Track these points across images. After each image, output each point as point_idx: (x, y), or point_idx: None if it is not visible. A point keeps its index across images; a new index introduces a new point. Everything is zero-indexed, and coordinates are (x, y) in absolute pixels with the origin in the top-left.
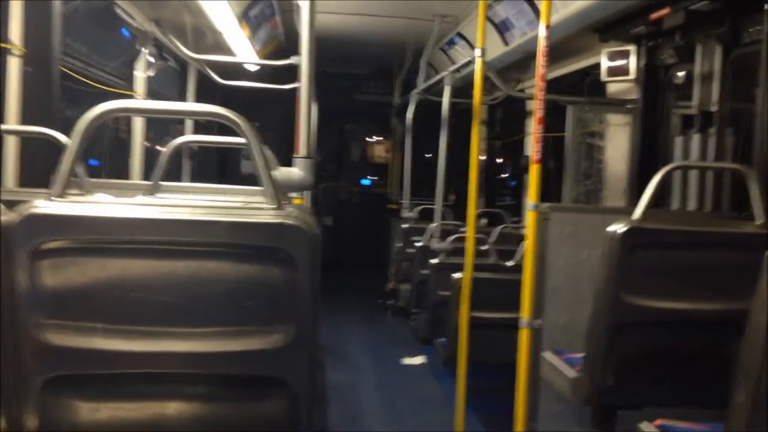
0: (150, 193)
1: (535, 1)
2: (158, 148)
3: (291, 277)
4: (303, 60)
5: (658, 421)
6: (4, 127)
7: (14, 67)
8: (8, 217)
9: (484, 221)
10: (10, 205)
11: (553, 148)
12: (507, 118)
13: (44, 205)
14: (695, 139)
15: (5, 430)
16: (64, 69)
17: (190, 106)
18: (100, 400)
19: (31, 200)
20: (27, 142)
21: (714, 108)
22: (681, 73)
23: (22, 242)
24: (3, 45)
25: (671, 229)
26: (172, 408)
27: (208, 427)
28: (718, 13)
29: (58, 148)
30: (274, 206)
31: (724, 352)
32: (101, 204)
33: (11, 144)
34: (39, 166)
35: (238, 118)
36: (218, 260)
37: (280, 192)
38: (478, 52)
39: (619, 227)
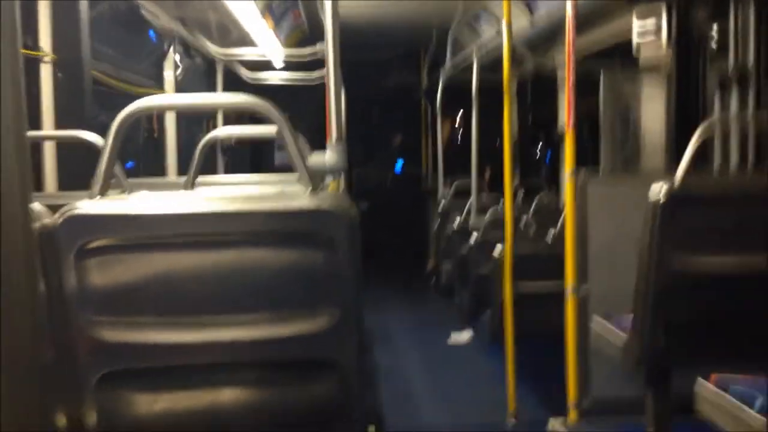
0: (187, 188)
1: None
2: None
3: (332, 260)
4: (329, 47)
5: (714, 376)
6: (40, 133)
7: (46, 73)
8: (51, 219)
9: (521, 194)
10: (53, 209)
11: (587, 118)
12: (537, 91)
13: (86, 205)
14: (733, 96)
15: (65, 427)
16: (95, 73)
17: (220, 97)
18: (156, 392)
19: (72, 202)
20: (62, 147)
21: (750, 64)
22: (715, 31)
23: (67, 243)
24: (34, 53)
25: (713, 188)
26: (226, 395)
27: (262, 412)
28: None
29: (92, 151)
30: (310, 191)
31: None
32: (141, 201)
33: (48, 149)
34: (75, 169)
35: (267, 104)
36: (259, 248)
37: (315, 177)
38: (504, 25)
39: (660, 190)
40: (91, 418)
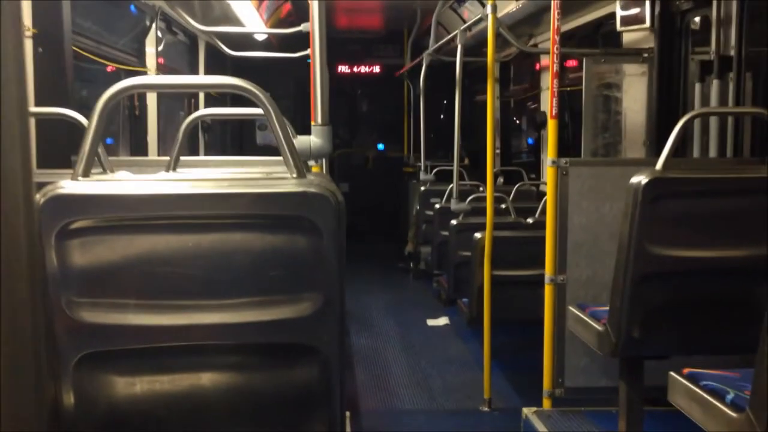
0: (170, 168)
1: None
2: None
3: (317, 246)
4: (314, 26)
5: (686, 370)
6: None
7: (26, 48)
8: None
9: (501, 180)
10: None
11: (569, 102)
12: (520, 74)
13: (70, 185)
14: (714, 85)
15: None
16: (75, 48)
17: (207, 79)
18: (135, 375)
19: (55, 181)
20: (41, 123)
21: (732, 52)
22: (697, 19)
23: (49, 223)
24: None
25: (694, 177)
26: (206, 379)
27: (242, 395)
28: None
29: (73, 127)
30: (296, 175)
31: (751, 298)
32: (126, 182)
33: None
34: (55, 146)
35: (255, 88)
36: (244, 232)
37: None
38: (489, 8)
39: (642, 178)
40: (68, 399)
